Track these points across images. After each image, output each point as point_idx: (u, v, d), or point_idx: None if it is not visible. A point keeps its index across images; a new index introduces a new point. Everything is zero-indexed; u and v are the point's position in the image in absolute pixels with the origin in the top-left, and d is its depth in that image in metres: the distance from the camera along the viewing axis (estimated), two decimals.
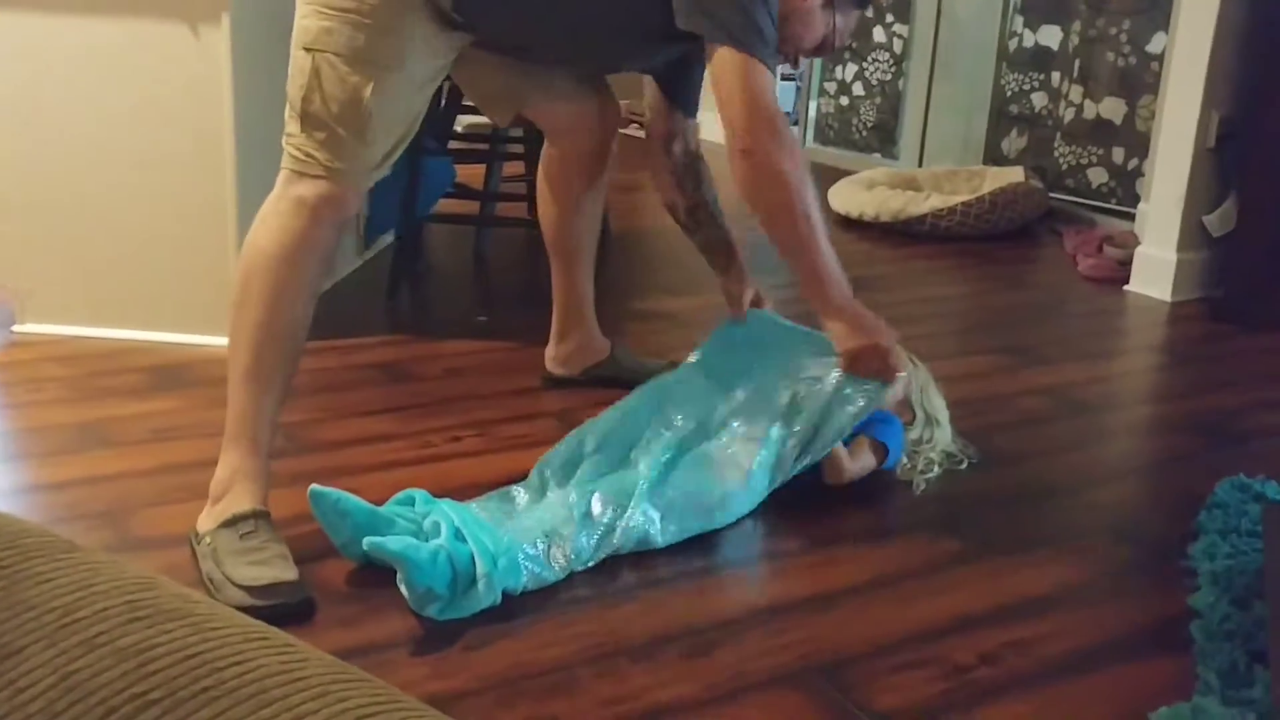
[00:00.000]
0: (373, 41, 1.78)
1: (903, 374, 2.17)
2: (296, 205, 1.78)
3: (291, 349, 1.80)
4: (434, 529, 1.69)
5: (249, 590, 1.61)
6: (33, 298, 2.69)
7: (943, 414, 2.30)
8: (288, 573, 1.66)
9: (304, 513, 1.89)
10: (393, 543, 1.60)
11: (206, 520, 1.75)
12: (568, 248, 2.48)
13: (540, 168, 2.47)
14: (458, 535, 1.66)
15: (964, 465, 2.22)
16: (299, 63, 1.80)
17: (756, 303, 2.42)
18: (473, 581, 1.63)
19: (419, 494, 1.81)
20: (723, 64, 1.94)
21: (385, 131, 1.83)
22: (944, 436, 2.25)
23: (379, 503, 1.77)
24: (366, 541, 1.62)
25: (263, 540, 1.70)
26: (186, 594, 0.67)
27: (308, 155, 1.79)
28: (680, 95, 2.33)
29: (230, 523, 1.71)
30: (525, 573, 1.69)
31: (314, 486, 1.71)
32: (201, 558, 1.71)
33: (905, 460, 2.19)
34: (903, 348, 2.29)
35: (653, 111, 2.38)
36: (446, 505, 1.75)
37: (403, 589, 1.63)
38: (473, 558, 1.63)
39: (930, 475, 2.16)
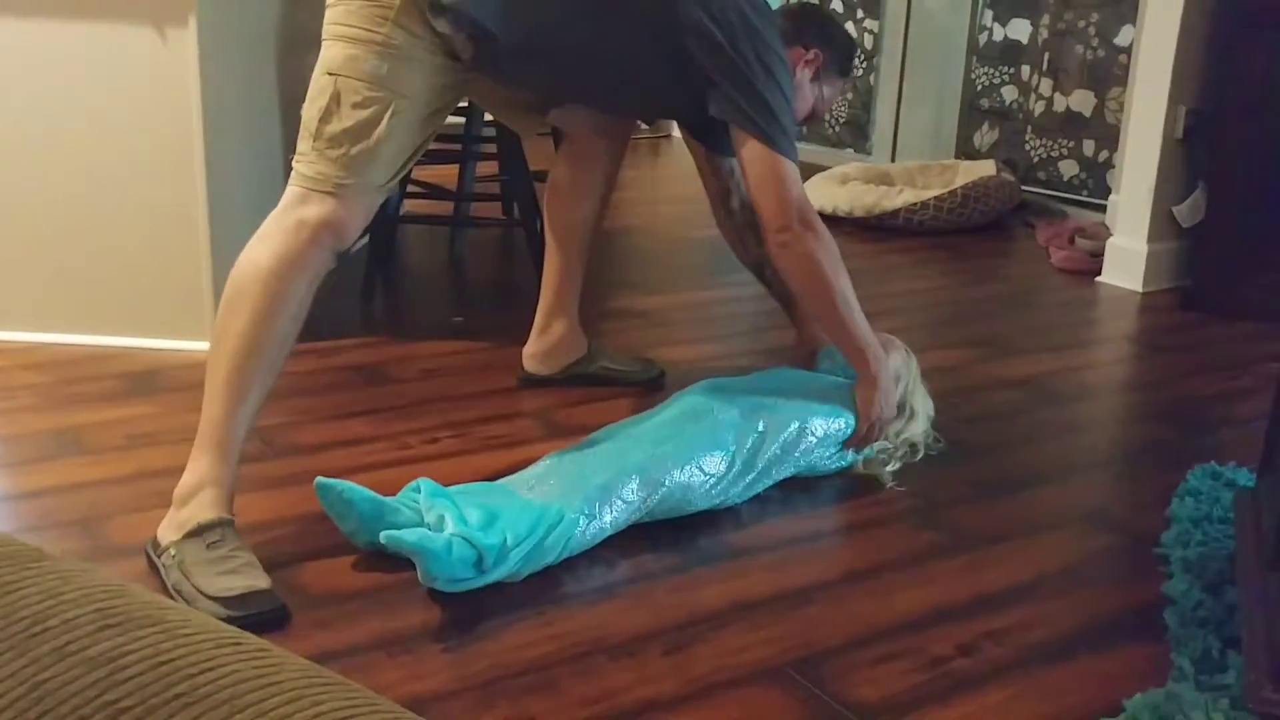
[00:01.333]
0: (395, 70, 1.81)
1: (895, 359, 2.26)
2: (299, 225, 1.79)
3: (273, 363, 1.79)
4: (439, 522, 1.68)
5: (223, 601, 1.60)
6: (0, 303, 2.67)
7: (921, 407, 2.32)
8: (260, 581, 1.65)
9: (281, 516, 1.89)
10: (409, 535, 1.61)
11: (170, 530, 1.73)
12: (569, 243, 2.51)
13: (557, 161, 2.51)
14: (463, 520, 1.67)
15: (920, 456, 2.24)
16: (321, 86, 1.83)
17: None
18: (502, 550, 1.64)
19: (425, 483, 1.81)
20: (752, 155, 2.05)
21: (395, 155, 1.86)
22: (914, 429, 2.27)
23: None
24: (384, 535, 1.64)
25: (230, 549, 1.68)
26: (158, 600, 0.67)
27: (319, 173, 1.81)
28: (712, 138, 2.36)
29: (196, 532, 1.69)
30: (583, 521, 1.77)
31: (320, 478, 1.74)
32: (166, 570, 1.69)
33: (867, 456, 2.21)
34: (898, 339, 2.37)
35: (701, 170, 2.47)
36: (454, 494, 1.77)
37: (420, 574, 1.64)
38: (497, 532, 1.66)
39: (891, 468, 2.18)
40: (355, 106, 1.80)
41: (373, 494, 1.75)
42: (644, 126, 2.49)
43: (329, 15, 1.86)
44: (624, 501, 1.84)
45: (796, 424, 2.08)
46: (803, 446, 2.08)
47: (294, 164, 1.84)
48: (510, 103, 2.33)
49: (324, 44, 1.86)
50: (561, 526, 1.73)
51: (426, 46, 1.85)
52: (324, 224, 1.79)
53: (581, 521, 1.78)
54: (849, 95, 5.45)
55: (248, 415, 1.77)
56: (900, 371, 2.29)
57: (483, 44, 1.89)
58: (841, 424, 2.13)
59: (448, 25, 1.84)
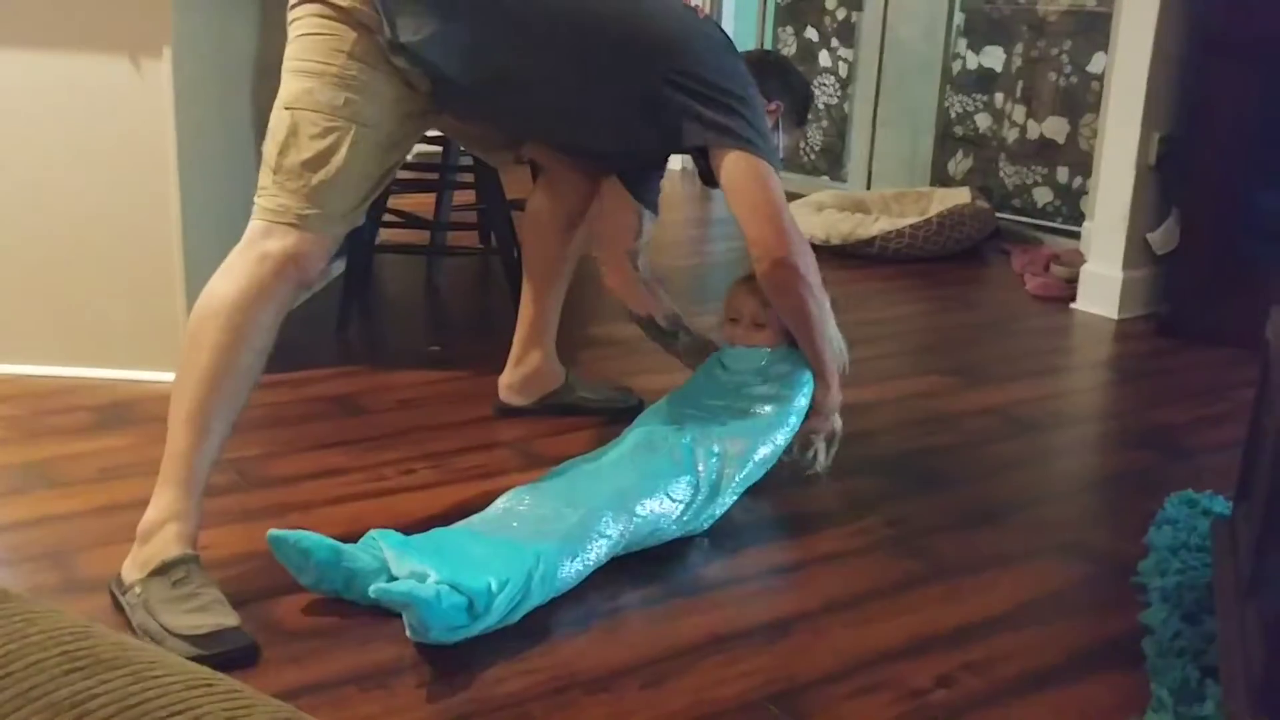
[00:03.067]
0: (351, 101, 1.82)
1: (776, 321, 2.28)
2: (261, 258, 1.78)
3: (237, 397, 1.77)
4: (415, 574, 1.63)
5: (191, 639, 1.57)
6: None
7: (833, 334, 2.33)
8: (228, 618, 1.62)
9: (253, 550, 1.87)
10: (397, 588, 1.58)
11: (133, 569, 1.70)
12: (549, 271, 2.50)
13: (532, 194, 2.50)
14: (444, 567, 1.63)
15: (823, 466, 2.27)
16: (279, 120, 1.83)
17: None
18: (489, 594, 1.61)
19: (386, 535, 1.74)
20: (741, 170, 2.07)
21: (356, 185, 1.85)
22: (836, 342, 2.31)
23: (335, 539, 1.74)
24: (373, 589, 1.61)
25: (196, 586, 1.66)
26: (125, 641, 0.66)
27: (280, 205, 1.80)
28: (646, 194, 2.40)
29: (160, 570, 1.66)
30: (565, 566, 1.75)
31: (272, 531, 1.69)
32: (131, 609, 1.66)
33: (792, 453, 2.24)
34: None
35: (613, 224, 2.43)
36: (421, 544, 1.72)
37: (410, 629, 1.60)
38: (480, 577, 1.62)
39: (823, 463, 2.25)
40: (313, 138, 1.80)
41: (330, 540, 1.70)
42: None
43: (288, 50, 1.87)
44: (603, 536, 1.82)
45: (747, 441, 2.10)
46: (756, 459, 2.10)
47: (255, 199, 1.83)
48: (479, 136, 2.34)
49: (283, 79, 1.86)
50: (544, 568, 1.70)
51: (385, 78, 1.85)
52: (287, 256, 1.78)
53: (565, 562, 1.75)
54: (824, 123, 5.49)
55: (212, 449, 1.75)
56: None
57: (441, 83, 1.90)
58: (783, 435, 2.17)
59: (405, 63, 1.85)
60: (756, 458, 2.10)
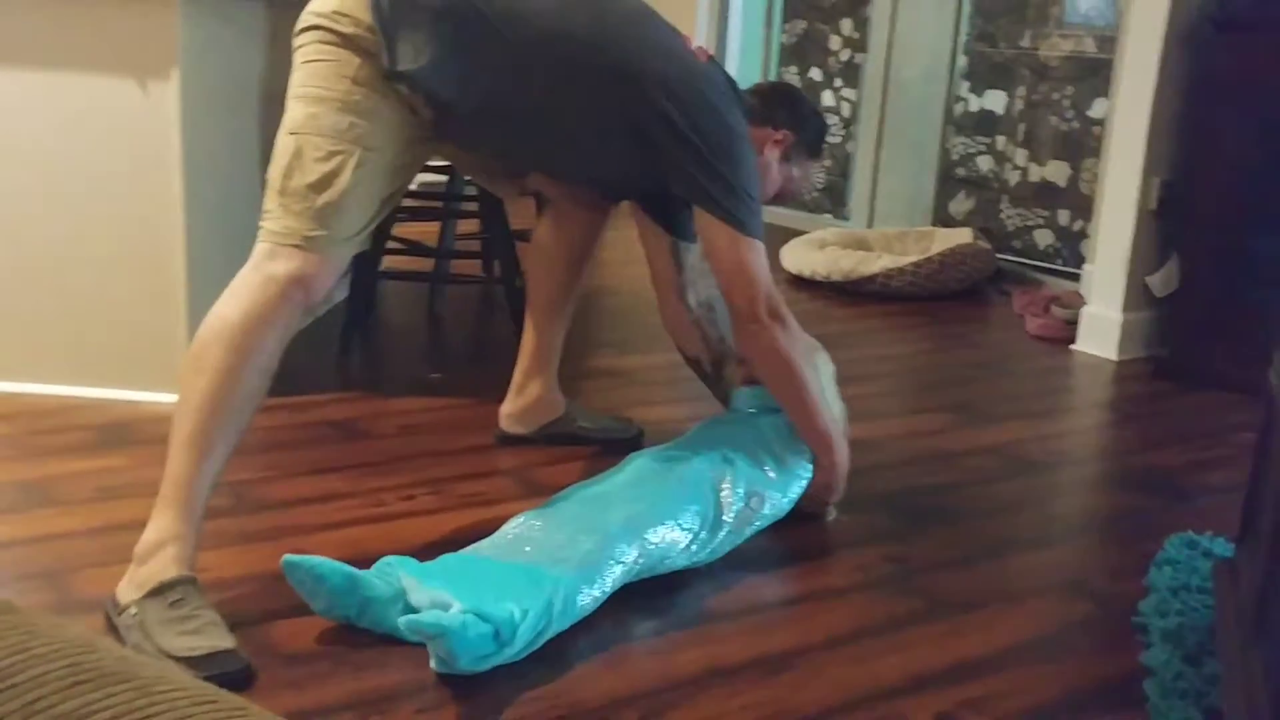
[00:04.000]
0: (355, 124, 1.83)
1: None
2: (267, 281, 1.78)
3: (239, 420, 1.77)
4: (438, 603, 1.62)
5: (186, 662, 1.56)
6: None
7: (836, 409, 2.33)
8: (224, 641, 1.61)
9: (251, 573, 1.86)
10: (426, 618, 1.57)
11: (130, 589, 1.69)
12: (549, 307, 2.50)
13: (538, 226, 2.51)
14: (466, 595, 1.62)
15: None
16: (284, 145, 1.84)
17: None
18: (512, 621, 1.60)
19: (403, 561, 1.74)
20: (718, 240, 2.08)
21: (361, 208, 1.86)
22: (836, 408, 2.30)
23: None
24: (403, 621, 1.60)
25: (193, 608, 1.65)
26: (130, 656, 0.65)
27: (285, 227, 1.80)
28: (675, 221, 2.35)
29: (157, 591, 1.65)
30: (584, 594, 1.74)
31: (287, 556, 1.68)
32: (126, 630, 1.65)
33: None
34: (817, 342, 2.42)
35: (655, 258, 2.41)
36: (439, 571, 1.71)
37: (436, 659, 1.59)
38: (503, 604, 1.61)
39: (832, 514, 2.24)
40: (318, 161, 1.81)
41: (345, 566, 1.69)
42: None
43: (293, 77, 1.89)
44: (619, 564, 1.81)
45: (759, 487, 2.08)
46: (767, 510, 2.09)
47: (260, 222, 1.84)
48: (482, 165, 2.34)
49: (288, 105, 1.88)
50: (564, 596, 1.69)
51: (389, 103, 1.86)
52: (292, 279, 1.79)
53: (583, 589, 1.74)
54: (827, 162, 5.51)
55: (211, 472, 1.75)
56: (819, 370, 2.34)
57: (441, 110, 1.91)
58: (797, 488, 2.16)
59: (406, 89, 1.86)
60: (766, 510, 2.09)
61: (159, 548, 1.71)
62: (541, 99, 2.01)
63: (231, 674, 1.57)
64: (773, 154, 2.27)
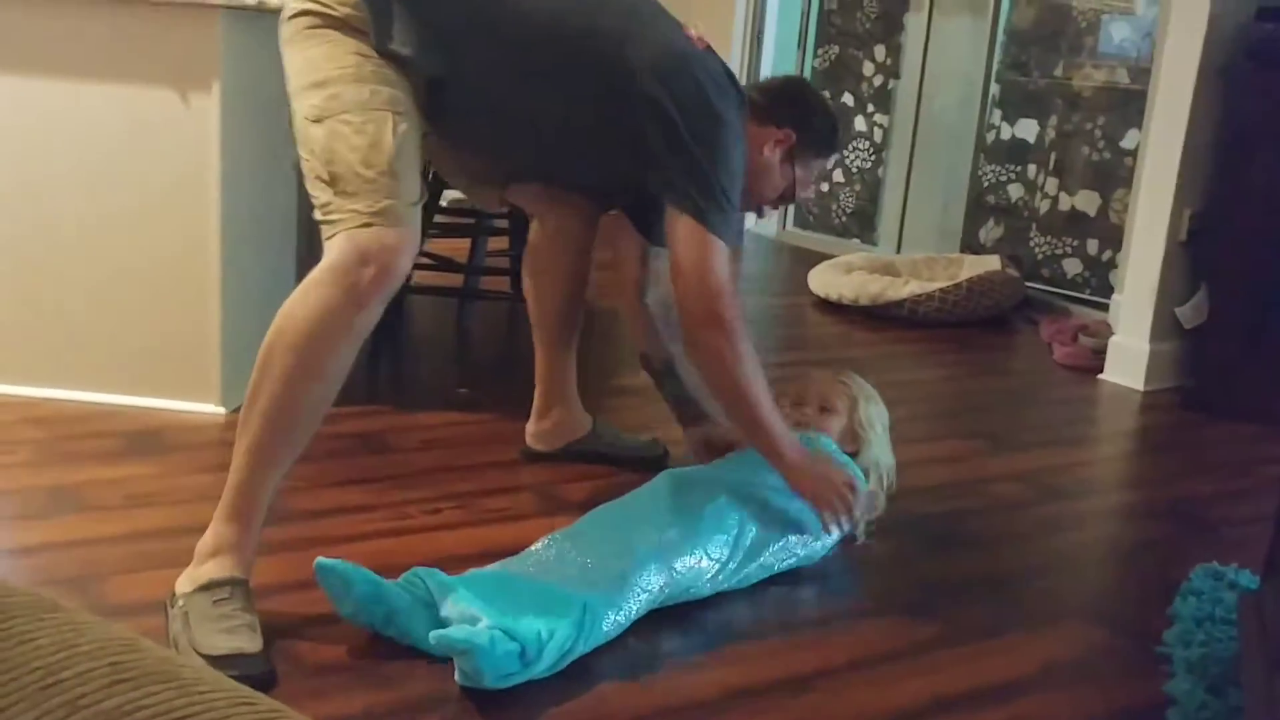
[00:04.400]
0: (376, 91, 1.81)
1: (843, 407, 2.32)
2: (347, 270, 1.72)
3: (305, 431, 1.77)
4: (467, 618, 1.63)
5: (207, 659, 1.59)
6: (5, 357, 2.68)
7: (885, 457, 2.32)
8: (251, 644, 1.63)
9: (278, 582, 1.87)
10: (456, 633, 1.58)
11: (186, 581, 1.73)
12: (553, 326, 2.49)
13: (528, 246, 2.49)
14: (496, 612, 1.63)
15: (858, 541, 2.22)
16: (312, 137, 1.79)
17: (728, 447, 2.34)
18: (539, 641, 1.60)
19: (430, 573, 1.73)
20: (683, 232, 1.99)
21: (410, 175, 1.82)
22: (871, 478, 2.26)
23: None
24: (433, 636, 1.60)
25: (234, 608, 1.67)
26: (171, 656, 0.67)
27: (349, 210, 1.75)
28: (653, 227, 2.29)
29: (207, 587, 1.69)
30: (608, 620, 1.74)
31: (320, 559, 1.69)
32: (172, 619, 1.69)
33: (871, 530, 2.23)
34: (843, 377, 2.43)
35: (623, 257, 2.41)
36: (469, 584, 1.72)
37: (462, 674, 1.60)
38: (530, 624, 1.62)
39: (861, 535, 2.21)
40: (355, 134, 1.77)
41: (373, 575, 1.70)
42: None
43: (292, 69, 1.85)
44: (645, 591, 1.81)
45: (791, 528, 2.07)
46: (801, 552, 2.08)
47: (321, 224, 1.79)
48: (466, 169, 2.31)
49: (294, 98, 1.83)
50: (590, 619, 1.70)
51: (397, 73, 1.84)
52: (376, 258, 1.72)
53: (608, 614, 1.74)
54: (856, 186, 5.52)
55: (274, 480, 1.76)
56: (852, 411, 2.33)
57: (434, 93, 1.89)
58: (830, 538, 2.14)
59: (397, 65, 1.84)
60: (799, 549, 2.08)
61: (216, 552, 1.74)
62: (528, 86, 1.97)
63: (248, 678, 1.58)
64: (774, 154, 2.17)
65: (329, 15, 1.83)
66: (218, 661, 1.58)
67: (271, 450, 1.74)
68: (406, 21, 1.84)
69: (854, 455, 2.29)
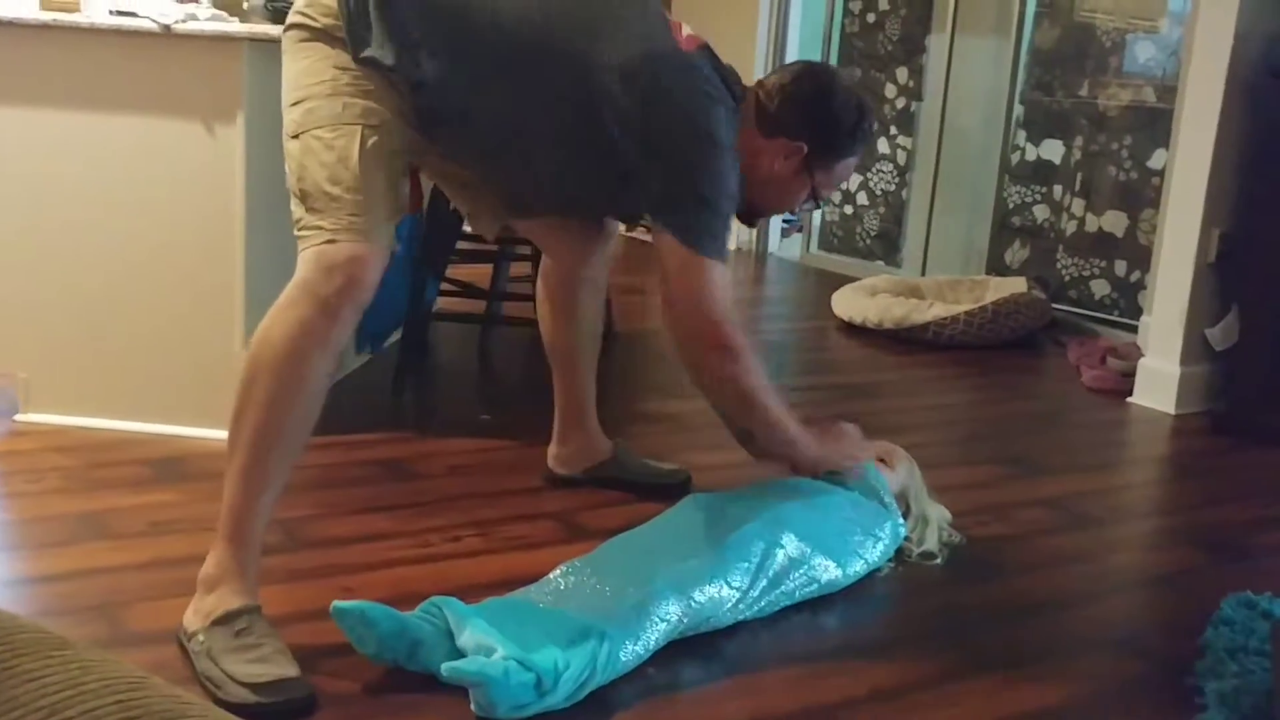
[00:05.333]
0: (351, 104, 1.83)
1: (902, 466, 2.35)
2: (311, 293, 1.75)
3: (292, 450, 1.78)
4: (482, 649, 1.63)
5: (253, 688, 1.59)
6: (34, 386, 2.70)
7: (933, 514, 2.34)
8: (290, 669, 1.63)
9: (300, 610, 1.87)
10: (468, 665, 1.58)
11: (195, 618, 1.72)
12: (567, 353, 2.49)
13: (539, 274, 2.49)
14: (512, 642, 1.62)
15: (939, 560, 2.24)
16: (290, 152, 1.85)
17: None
18: (555, 671, 1.60)
19: (447, 602, 1.73)
20: (671, 260, 1.98)
21: (380, 190, 1.83)
22: (930, 537, 2.29)
23: (380, 604, 1.74)
24: (445, 668, 1.59)
25: (258, 636, 1.68)
26: (178, 694, 0.66)
27: (314, 227, 1.79)
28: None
29: (223, 620, 1.69)
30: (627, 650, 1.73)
31: (336, 603, 1.69)
32: (196, 657, 1.69)
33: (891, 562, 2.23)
34: (899, 447, 2.44)
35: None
36: (486, 614, 1.71)
37: (476, 705, 1.59)
38: (547, 654, 1.62)
39: (933, 548, 2.26)
40: (325, 149, 1.80)
41: (393, 611, 1.70)
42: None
43: (283, 85, 1.89)
44: (663, 621, 1.79)
45: (816, 557, 2.06)
46: (824, 579, 2.06)
47: (295, 236, 1.82)
48: (466, 196, 2.29)
49: (284, 115, 1.87)
50: (608, 650, 1.68)
51: (380, 82, 1.85)
52: (342, 271, 1.75)
53: (627, 644, 1.73)
54: (880, 209, 5.50)
55: (268, 503, 1.77)
56: (906, 482, 2.36)
57: (421, 101, 1.89)
58: (861, 566, 2.13)
59: (382, 74, 1.84)
60: (822, 578, 2.06)
61: (220, 580, 1.74)
62: (506, 93, 1.94)
63: (297, 701, 1.59)
64: (786, 166, 2.12)
65: (311, 27, 1.86)
66: (263, 689, 1.59)
67: (261, 472, 1.75)
68: (386, 29, 1.84)
69: (904, 515, 2.32)
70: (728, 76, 2.09)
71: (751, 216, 2.28)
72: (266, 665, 1.63)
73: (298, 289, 1.77)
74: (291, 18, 1.90)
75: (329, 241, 1.78)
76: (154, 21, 2.52)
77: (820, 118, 2.13)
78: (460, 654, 1.64)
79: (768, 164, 2.12)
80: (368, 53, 1.83)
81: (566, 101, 1.96)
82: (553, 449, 2.57)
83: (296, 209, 1.83)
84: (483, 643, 1.62)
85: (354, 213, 1.79)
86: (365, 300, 1.81)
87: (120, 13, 2.58)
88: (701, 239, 1.97)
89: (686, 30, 2.06)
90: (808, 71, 2.22)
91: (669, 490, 2.47)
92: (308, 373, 1.75)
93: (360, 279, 1.78)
